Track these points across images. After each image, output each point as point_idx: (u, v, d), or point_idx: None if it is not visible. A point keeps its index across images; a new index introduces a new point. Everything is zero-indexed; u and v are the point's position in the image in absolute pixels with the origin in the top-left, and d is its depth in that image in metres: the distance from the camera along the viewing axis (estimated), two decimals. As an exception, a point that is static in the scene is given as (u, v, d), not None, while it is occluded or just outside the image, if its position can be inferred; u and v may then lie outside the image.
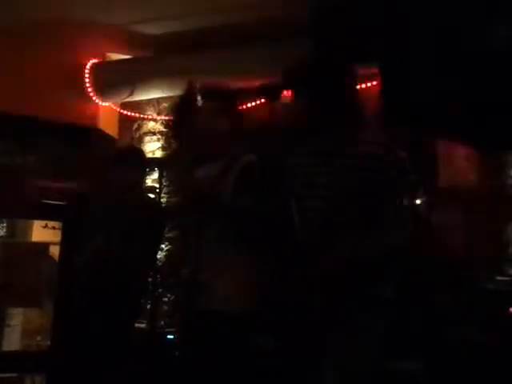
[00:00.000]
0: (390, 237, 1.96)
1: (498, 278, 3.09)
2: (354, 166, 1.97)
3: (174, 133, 4.02)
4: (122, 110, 4.57)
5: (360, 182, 1.95)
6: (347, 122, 2.04)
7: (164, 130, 4.50)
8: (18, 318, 3.76)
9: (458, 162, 3.41)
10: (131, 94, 4.21)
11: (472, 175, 3.35)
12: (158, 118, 4.52)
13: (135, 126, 4.61)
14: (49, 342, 3.61)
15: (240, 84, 3.74)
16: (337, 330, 1.91)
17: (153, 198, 3.84)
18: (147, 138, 4.54)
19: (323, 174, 2.00)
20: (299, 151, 2.12)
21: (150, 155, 4.27)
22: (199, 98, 2.37)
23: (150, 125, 4.56)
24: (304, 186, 2.05)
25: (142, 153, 3.32)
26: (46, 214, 3.78)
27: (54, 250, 3.80)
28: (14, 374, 3.63)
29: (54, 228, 3.76)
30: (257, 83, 3.87)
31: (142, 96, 4.32)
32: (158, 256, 3.91)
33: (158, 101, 4.49)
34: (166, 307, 4.07)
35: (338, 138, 2.04)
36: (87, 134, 4.01)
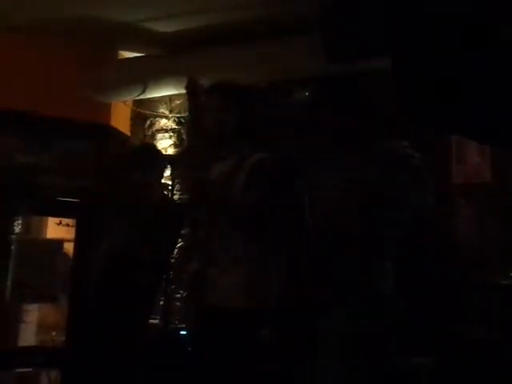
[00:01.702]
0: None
1: (512, 274, 3.07)
2: (363, 160, 1.98)
3: (185, 130, 4.04)
4: (134, 108, 4.60)
5: (369, 177, 1.96)
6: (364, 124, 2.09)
7: (176, 127, 4.51)
8: (33, 314, 3.81)
9: (472, 157, 3.39)
10: (143, 92, 4.23)
11: (485, 171, 3.33)
12: (171, 115, 4.54)
13: (147, 123, 4.63)
14: (64, 338, 3.65)
15: (252, 81, 3.74)
16: (335, 326, 1.93)
17: (170, 197, 3.85)
18: (159, 136, 4.55)
19: (332, 167, 2.02)
20: (308, 146, 2.15)
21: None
22: (205, 95, 2.37)
23: (163, 122, 4.58)
24: (313, 177, 2.08)
25: (158, 152, 3.31)
26: (60, 211, 3.82)
27: (68, 247, 3.84)
28: (30, 369, 3.68)
29: (68, 225, 3.80)
30: (269, 80, 3.86)
31: (154, 93, 4.34)
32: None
33: (171, 98, 4.51)
34: (178, 303, 4.09)
35: (349, 135, 2.06)
36: (100, 132, 4.04)
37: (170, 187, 4.04)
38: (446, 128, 3.06)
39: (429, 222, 2.16)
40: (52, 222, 4.02)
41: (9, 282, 3.68)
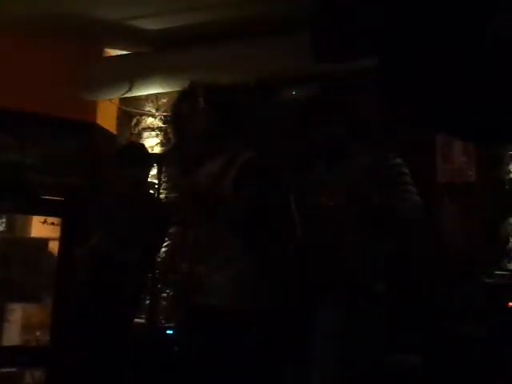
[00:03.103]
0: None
1: (497, 272, 3.10)
2: (349, 168, 2.02)
3: (172, 130, 4.02)
4: (120, 106, 4.57)
5: (355, 182, 2.00)
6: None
7: (163, 125, 4.50)
8: (17, 313, 3.77)
9: (457, 157, 3.41)
10: (130, 90, 4.21)
11: (470, 171, 3.36)
12: (157, 113, 4.53)
13: (134, 121, 4.61)
14: (48, 337, 3.62)
15: (238, 80, 3.74)
16: (327, 323, 1.94)
17: (156, 197, 3.84)
18: (146, 134, 4.54)
19: (322, 174, 2.04)
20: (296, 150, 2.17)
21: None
22: (200, 97, 2.36)
23: (149, 120, 4.56)
24: (304, 182, 2.10)
25: (145, 150, 3.29)
26: (45, 209, 3.78)
27: (53, 246, 3.81)
28: (14, 369, 3.65)
29: (53, 224, 3.76)
30: (255, 79, 3.86)
31: (140, 92, 4.32)
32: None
33: (157, 96, 4.49)
34: (164, 303, 4.08)
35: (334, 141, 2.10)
36: (86, 130, 4.01)
37: (156, 186, 4.03)
38: (431, 127, 3.08)
39: (415, 222, 2.18)
40: (36, 220, 3.98)
41: (-7, 281, 3.65)
